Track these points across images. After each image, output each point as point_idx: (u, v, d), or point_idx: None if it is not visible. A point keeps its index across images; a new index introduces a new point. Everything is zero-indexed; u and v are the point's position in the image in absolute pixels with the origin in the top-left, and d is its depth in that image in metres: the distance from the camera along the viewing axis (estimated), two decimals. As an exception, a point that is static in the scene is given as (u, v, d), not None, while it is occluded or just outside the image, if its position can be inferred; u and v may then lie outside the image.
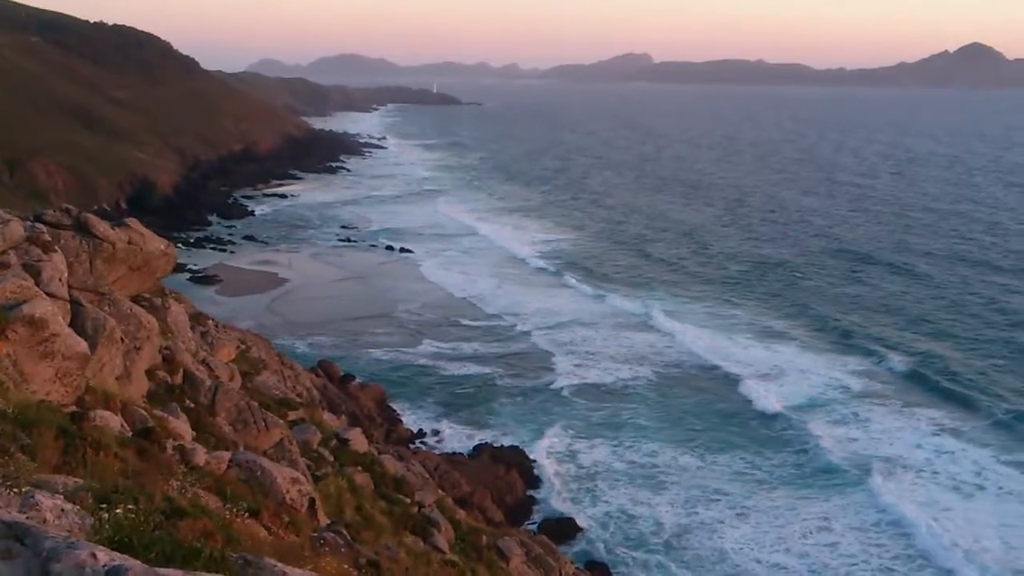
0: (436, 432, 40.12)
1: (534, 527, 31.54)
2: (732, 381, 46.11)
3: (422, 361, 49.32)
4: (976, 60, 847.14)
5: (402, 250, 79.05)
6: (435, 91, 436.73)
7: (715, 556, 29.90)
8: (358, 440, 24.23)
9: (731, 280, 67.87)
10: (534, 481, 35.21)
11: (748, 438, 39.28)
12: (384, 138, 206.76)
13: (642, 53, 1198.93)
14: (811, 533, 31.13)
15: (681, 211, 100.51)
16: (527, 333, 54.05)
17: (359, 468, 20.63)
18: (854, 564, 29.30)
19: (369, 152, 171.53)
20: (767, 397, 43.60)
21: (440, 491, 28.05)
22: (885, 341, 52.32)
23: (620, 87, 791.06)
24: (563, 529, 31.66)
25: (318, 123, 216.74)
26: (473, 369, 48.00)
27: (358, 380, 44.04)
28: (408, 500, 21.75)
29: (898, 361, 48.53)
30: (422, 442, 38.75)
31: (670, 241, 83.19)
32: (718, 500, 33.64)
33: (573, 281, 67.08)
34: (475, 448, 37.67)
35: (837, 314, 57.84)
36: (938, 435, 39.19)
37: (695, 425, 40.83)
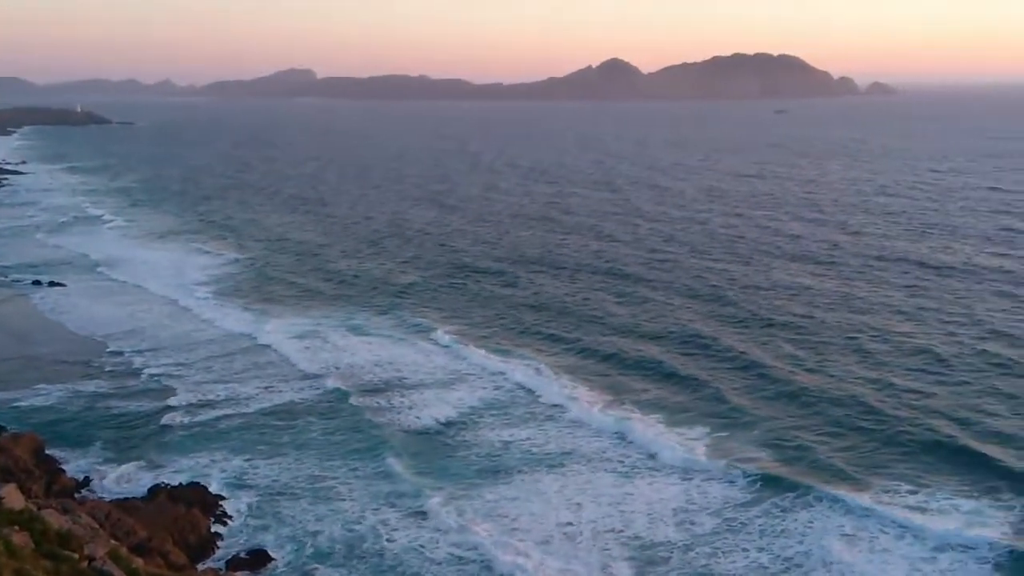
0: (104, 478, 37.78)
1: (221, 564, 30.87)
2: (396, 390, 48.11)
3: (79, 404, 46.64)
4: (615, 74, 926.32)
5: (51, 284, 74.32)
6: (80, 111, 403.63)
7: (393, 559, 31.49)
8: (13, 496, 22.55)
9: (358, 295, 70.27)
10: (218, 516, 34.38)
11: (419, 443, 41.20)
12: (23, 163, 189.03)
13: (305, 68, 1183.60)
14: (479, 523, 33.44)
15: (306, 231, 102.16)
16: (178, 365, 53.34)
17: (16, 527, 19.27)
18: (524, 540, 31.85)
19: (6, 179, 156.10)
20: (438, 404, 45.79)
21: (113, 541, 26.74)
22: (546, 341, 56.84)
23: (283, 103, 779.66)
24: (252, 561, 31.31)
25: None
26: (135, 407, 46.21)
27: (8, 431, 40.34)
28: (77, 555, 20.62)
29: (561, 359, 52.89)
30: (89, 490, 36.45)
31: (292, 261, 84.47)
32: (392, 505, 35.20)
33: (210, 309, 66.63)
34: (150, 490, 36.04)
35: (476, 318, 62.25)
36: (615, 424, 42.64)
37: (362, 435, 42.23)
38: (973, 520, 32.40)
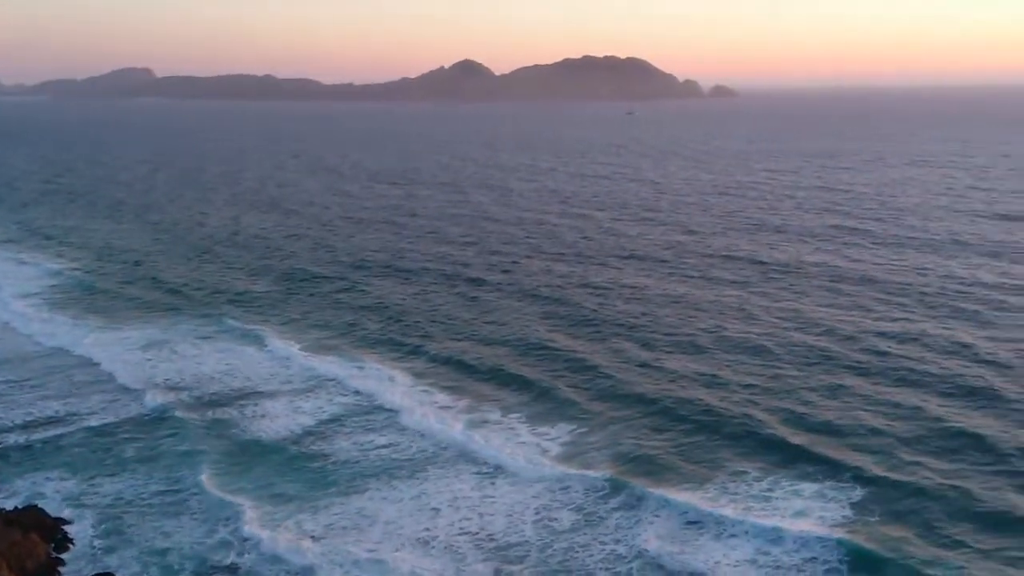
0: (-71, 507, 35.51)
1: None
2: (244, 401, 47.34)
3: None
4: (468, 75, 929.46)
5: None
6: None
7: (246, 574, 31.32)
8: None
9: (195, 305, 68.35)
10: (59, 540, 32.94)
11: (269, 454, 40.74)
12: None
13: (143, 67, 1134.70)
14: (330, 535, 33.53)
15: (136, 238, 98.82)
16: (4, 383, 50.91)
17: None
18: (376, 550, 32.25)
19: None
20: (289, 414, 45.34)
21: (-59, 572, 25.26)
22: (395, 347, 56.98)
23: (119, 103, 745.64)
24: (99, 585, 30.20)
25: None
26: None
27: None
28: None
29: (412, 365, 53.23)
30: (-88, 521, 34.05)
31: (122, 270, 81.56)
32: (243, 518, 34.66)
33: (35, 323, 63.69)
34: (-19, 516, 34.05)
35: (320, 326, 61.78)
36: (470, 429, 43.08)
37: (208, 447, 41.51)
38: (814, 504, 34.56)
